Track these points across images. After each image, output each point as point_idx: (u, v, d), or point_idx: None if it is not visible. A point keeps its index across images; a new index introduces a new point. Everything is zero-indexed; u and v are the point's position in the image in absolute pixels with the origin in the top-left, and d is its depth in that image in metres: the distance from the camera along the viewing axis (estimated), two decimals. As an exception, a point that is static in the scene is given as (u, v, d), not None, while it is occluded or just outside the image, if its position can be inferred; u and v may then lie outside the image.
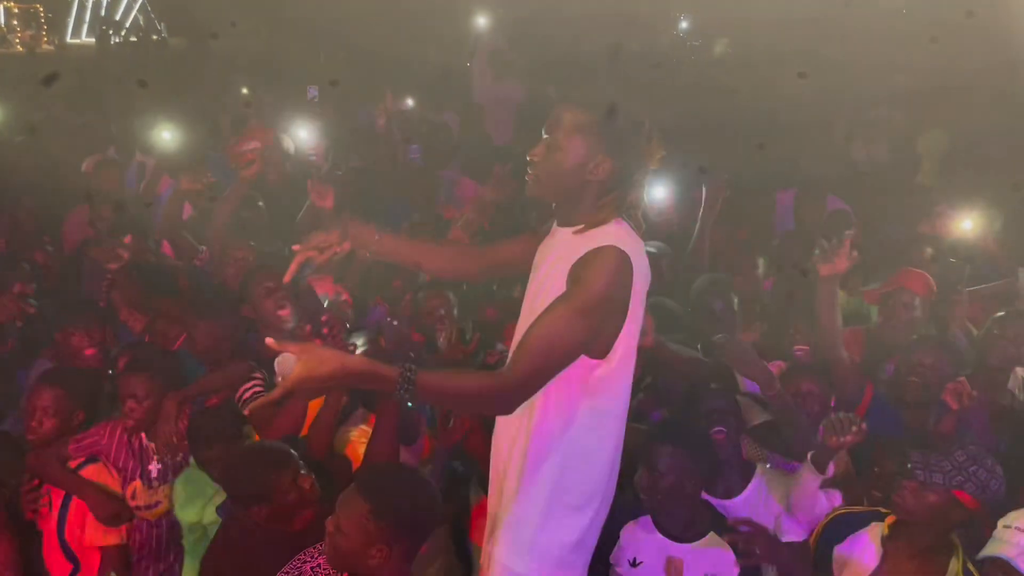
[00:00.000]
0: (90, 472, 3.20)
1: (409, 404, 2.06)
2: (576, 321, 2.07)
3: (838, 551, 2.66)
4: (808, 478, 2.77)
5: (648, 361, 3.18)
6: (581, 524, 2.28)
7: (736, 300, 3.72)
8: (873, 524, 2.65)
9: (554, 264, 2.24)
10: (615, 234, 2.20)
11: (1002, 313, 3.78)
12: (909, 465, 2.49)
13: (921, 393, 3.32)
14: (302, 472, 2.72)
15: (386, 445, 2.86)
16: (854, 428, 2.67)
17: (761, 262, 4.47)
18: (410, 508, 2.37)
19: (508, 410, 2.16)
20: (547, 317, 2.09)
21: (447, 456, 3.13)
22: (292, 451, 2.77)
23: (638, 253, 2.22)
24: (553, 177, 2.27)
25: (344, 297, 4.06)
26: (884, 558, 2.57)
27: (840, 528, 2.70)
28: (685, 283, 4.11)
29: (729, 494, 2.90)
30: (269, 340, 2.00)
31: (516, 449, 2.29)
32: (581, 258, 2.15)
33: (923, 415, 3.31)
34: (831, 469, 2.77)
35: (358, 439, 3.17)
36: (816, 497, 2.80)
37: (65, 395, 3.26)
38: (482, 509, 3.09)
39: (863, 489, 2.97)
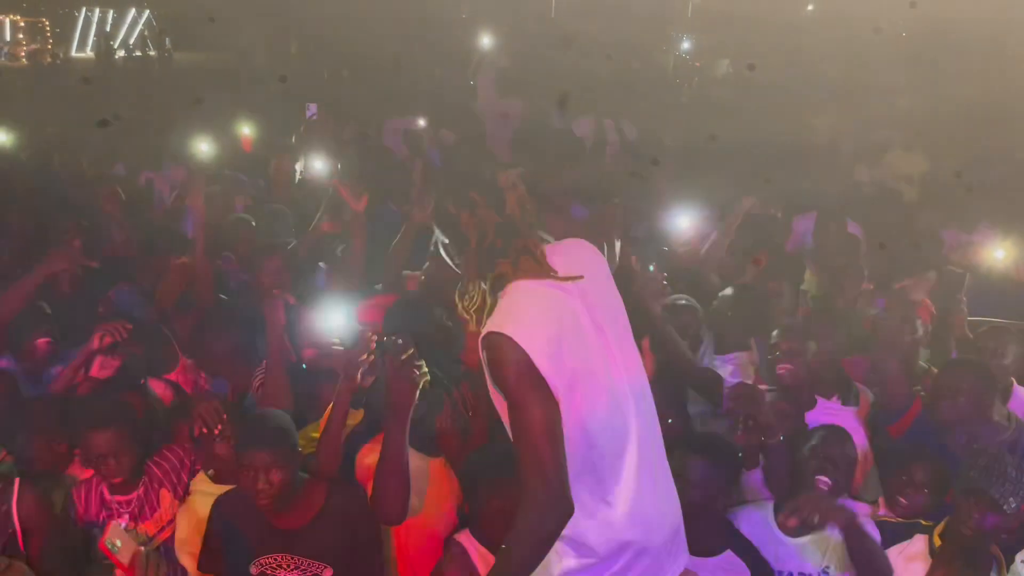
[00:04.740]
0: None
1: None
2: (527, 412, 2.04)
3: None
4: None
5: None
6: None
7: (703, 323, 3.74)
8: (918, 536, 2.73)
9: None
10: (492, 319, 2.11)
11: (985, 328, 3.76)
12: (998, 494, 2.50)
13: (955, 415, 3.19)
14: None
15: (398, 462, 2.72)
16: None
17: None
18: None
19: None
20: (514, 427, 2.07)
21: None
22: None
23: (524, 319, 2.08)
24: None
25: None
26: (932, 568, 2.64)
27: (883, 536, 2.77)
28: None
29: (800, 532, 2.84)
30: None
31: None
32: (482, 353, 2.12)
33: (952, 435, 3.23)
34: None
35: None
36: None
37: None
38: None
39: (889, 494, 2.95)
